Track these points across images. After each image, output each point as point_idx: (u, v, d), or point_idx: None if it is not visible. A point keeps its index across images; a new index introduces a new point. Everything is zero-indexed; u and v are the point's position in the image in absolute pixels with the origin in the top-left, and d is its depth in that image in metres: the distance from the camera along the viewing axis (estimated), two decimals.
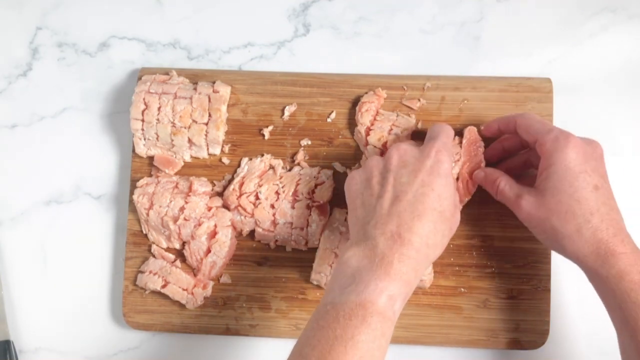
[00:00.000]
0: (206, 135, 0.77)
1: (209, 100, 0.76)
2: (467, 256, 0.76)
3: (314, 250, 0.76)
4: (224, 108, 0.77)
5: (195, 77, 0.79)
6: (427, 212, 0.61)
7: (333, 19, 0.82)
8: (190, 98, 0.76)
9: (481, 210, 0.76)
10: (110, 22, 0.84)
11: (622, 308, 0.61)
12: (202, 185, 0.77)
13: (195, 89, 0.77)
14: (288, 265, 0.77)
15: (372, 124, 0.75)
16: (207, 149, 0.78)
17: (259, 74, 0.80)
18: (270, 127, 0.78)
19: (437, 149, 0.64)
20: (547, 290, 0.75)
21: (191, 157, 0.79)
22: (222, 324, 0.77)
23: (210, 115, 0.76)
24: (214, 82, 0.78)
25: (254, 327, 0.77)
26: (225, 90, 0.77)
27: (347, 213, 0.76)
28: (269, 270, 0.77)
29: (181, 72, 0.80)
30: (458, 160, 0.71)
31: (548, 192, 0.64)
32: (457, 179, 0.72)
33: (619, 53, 0.80)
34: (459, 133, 0.74)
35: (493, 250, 0.76)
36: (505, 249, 0.75)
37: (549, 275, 0.75)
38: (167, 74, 0.79)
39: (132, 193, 0.77)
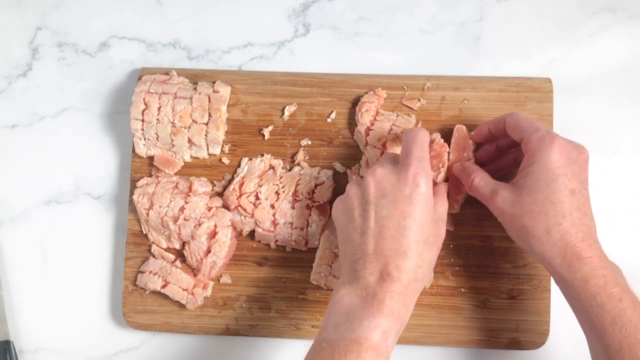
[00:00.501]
0: (206, 135, 0.77)
1: (209, 100, 0.76)
2: (467, 256, 0.76)
3: (314, 250, 0.76)
4: (224, 108, 0.77)
5: (195, 77, 0.79)
6: (412, 246, 0.61)
7: (333, 19, 0.82)
8: (190, 98, 0.76)
9: (481, 210, 0.75)
10: (110, 22, 0.84)
11: (589, 312, 0.61)
12: (202, 185, 0.77)
13: (195, 89, 0.77)
14: (288, 265, 0.77)
15: (372, 124, 0.75)
16: (207, 149, 0.78)
17: (259, 74, 0.80)
18: (270, 127, 0.78)
19: (414, 172, 0.63)
20: (547, 290, 0.75)
21: (191, 157, 0.79)
22: (222, 324, 0.77)
23: (210, 115, 0.76)
24: (214, 82, 0.78)
25: (254, 327, 0.77)
26: (225, 90, 0.77)
27: None
28: (269, 271, 0.77)
29: (181, 72, 0.80)
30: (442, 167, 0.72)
31: (525, 190, 0.64)
32: (447, 180, 0.72)
33: (619, 53, 0.80)
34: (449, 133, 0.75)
35: (493, 250, 0.76)
36: (505, 249, 0.75)
37: (549, 275, 0.75)
38: (167, 74, 0.79)
39: (132, 193, 0.77)
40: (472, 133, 0.73)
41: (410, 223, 0.62)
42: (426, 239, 0.63)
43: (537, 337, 0.75)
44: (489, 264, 0.76)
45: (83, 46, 0.84)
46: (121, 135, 0.82)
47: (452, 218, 0.76)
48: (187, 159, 0.79)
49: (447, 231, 0.75)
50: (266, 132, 0.78)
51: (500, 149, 0.73)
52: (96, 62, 0.84)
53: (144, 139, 0.77)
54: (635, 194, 0.78)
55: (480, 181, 0.68)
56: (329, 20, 0.82)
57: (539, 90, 0.76)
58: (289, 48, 0.82)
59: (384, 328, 0.59)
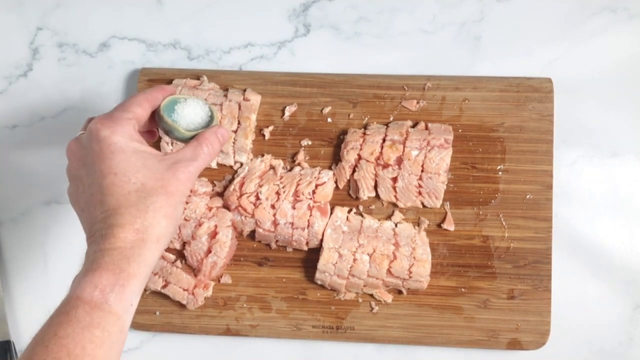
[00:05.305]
0: (234, 143, 0.76)
1: (239, 108, 0.76)
2: (467, 256, 0.76)
3: (314, 250, 0.76)
4: (253, 117, 0.76)
5: (196, 77, 0.79)
6: (121, 201, 0.56)
7: (333, 19, 0.82)
8: (221, 105, 0.76)
9: (481, 210, 0.76)
10: (111, 22, 0.84)
11: None
12: (202, 186, 0.77)
13: (225, 95, 0.77)
14: (289, 265, 0.77)
15: (357, 163, 0.75)
16: (234, 156, 0.78)
17: (260, 74, 0.80)
18: (271, 127, 0.78)
19: (94, 127, 0.58)
20: (548, 290, 0.75)
21: (217, 164, 0.78)
22: (223, 324, 0.77)
23: (239, 123, 0.76)
24: (244, 90, 0.78)
25: (254, 328, 0.77)
26: (255, 99, 0.77)
27: (348, 212, 0.76)
28: (269, 271, 0.77)
29: (182, 72, 0.80)
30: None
31: None
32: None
33: (619, 53, 0.80)
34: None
35: (493, 250, 0.76)
36: (505, 249, 0.75)
37: (549, 275, 0.75)
38: (198, 78, 0.79)
39: None
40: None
41: (112, 178, 0.57)
42: (141, 188, 0.57)
43: (537, 338, 0.75)
44: (489, 264, 0.76)
45: (83, 46, 0.84)
46: None
47: (453, 218, 0.76)
48: (214, 165, 0.78)
49: (447, 231, 0.76)
50: (266, 132, 0.78)
51: None
52: (96, 62, 0.84)
53: (172, 144, 0.77)
54: (636, 194, 0.78)
55: None
56: (329, 20, 0.82)
57: (539, 90, 0.76)
58: (289, 48, 0.82)
59: (97, 283, 0.54)
